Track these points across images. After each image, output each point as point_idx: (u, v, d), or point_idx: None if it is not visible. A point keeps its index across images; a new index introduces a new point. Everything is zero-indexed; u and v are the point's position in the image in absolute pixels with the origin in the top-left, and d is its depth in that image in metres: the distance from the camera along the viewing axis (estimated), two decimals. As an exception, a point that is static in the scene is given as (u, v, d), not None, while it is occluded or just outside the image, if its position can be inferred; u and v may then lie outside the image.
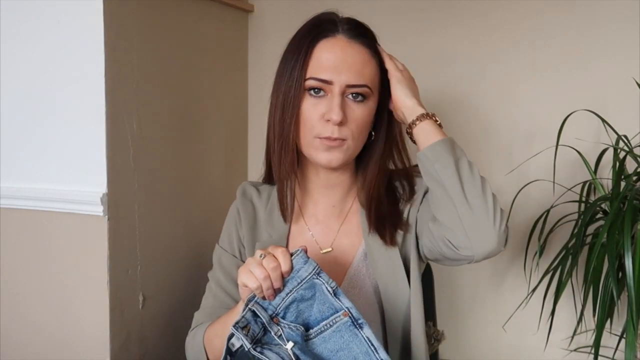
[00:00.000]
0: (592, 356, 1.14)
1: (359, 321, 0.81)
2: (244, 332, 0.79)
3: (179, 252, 1.37)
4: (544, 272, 1.25)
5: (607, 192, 1.26)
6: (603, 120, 1.23)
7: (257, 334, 0.81)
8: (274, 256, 0.81)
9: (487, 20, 1.41)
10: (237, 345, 0.81)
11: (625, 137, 1.23)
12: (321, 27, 0.93)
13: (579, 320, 1.24)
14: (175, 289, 1.36)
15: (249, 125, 1.70)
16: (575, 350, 1.39)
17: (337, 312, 0.82)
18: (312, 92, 0.91)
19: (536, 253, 1.30)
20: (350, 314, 0.82)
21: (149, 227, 1.27)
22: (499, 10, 1.40)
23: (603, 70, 1.32)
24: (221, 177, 1.56)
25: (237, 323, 0.79)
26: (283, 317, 0.83)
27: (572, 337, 1.36)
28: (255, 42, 1.67)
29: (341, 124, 0.90)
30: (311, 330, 0.83)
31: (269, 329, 0.82)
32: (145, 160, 1.26)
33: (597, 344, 1.08)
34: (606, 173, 1.29)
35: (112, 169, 1.16)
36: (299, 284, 0.82)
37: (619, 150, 1.19)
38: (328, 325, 0.82)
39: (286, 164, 0.95)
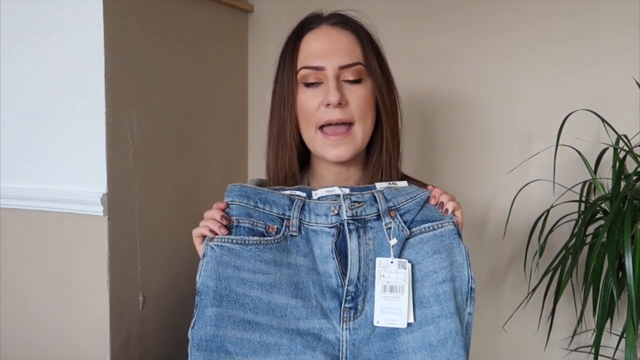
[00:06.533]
0: (592, 356, 1.14)
1: (461, 236, 0.84)
2: (352, 205, 0.84)
3: (179, 252, 1.37)
4: (544, 272, 1.25)
5: (607, 192, 1.26)
6: (603, 120, 1.23)
7: (364, 215, 0.84)
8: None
9: (488, 22, 1.41)
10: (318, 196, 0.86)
11: (625, 136, 1.23)
12: (306, 22, 0.94)
13: (579, 320, 1.24)
14: (175, 289, 1.36)
15: (249, 125, 1.70)
16: (575, 350, 1.39)
17: (446, 219, 0.84)
18: (307, 84, 0.91)
19: (536, 253, 1.30)
20: (456, 225, 0.84)
21: (149, 227, 1.27)
22: (500, 12, 1.40)
23: (603, 70, 1.32)
24: (221, 177, 1.56)
25: (352, 194, 0.85)
26: (401, 215, 0.85)
27: (572, 337, 1.36)
28: (255, 42, 1.67)
29: (341, 105, 0.88)
30: (412, 230, 0.84)
31: (382, 217, 0.84)
32: (145, 160, 1.26)
33: (597, 344, 1.08)
34: (606, 173, 1.29)
35: (112, 169, 1.16)
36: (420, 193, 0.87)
37: (619, 150, 1.19)
38: (432, 228, 0.84)
39: (285, 161, 0.93)
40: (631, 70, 1.28)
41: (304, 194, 0.86)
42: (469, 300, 0.82)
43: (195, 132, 1.45)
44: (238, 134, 1.66)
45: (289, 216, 0.84)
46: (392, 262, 0.82)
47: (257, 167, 1.68)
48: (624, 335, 1.13)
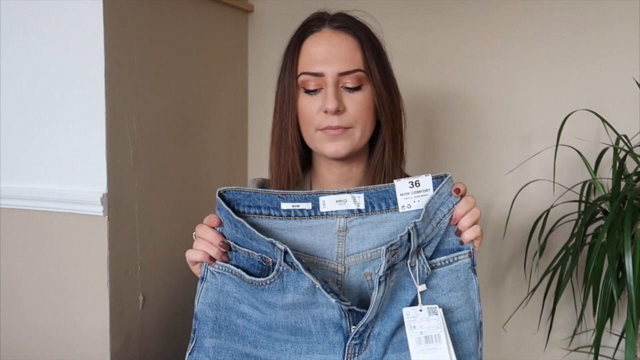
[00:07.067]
0: (592, 356, 1.14)
1: (475, 267, 0.77)
2: (390, 255, 0.72)
3: (179, 252, 1.36)
4: (544, 272, 1.25)
5: (607, 192, 1.26)
6: (603, 120, 1.23)
7: (397, 260, 0.74)
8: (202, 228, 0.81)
9: (488, 20, 1.41)
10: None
11: (625, 136, 1.23)
12: (309, 24, 0.93)
13: (579, 320, 1.24)
14: (175, 289, 1.36)
15: (249, 125, 1.70)
16: (575, 350, 1.39)
17: (462, 250, 0.77)
18: (307, 90, 0.90)
19: (536, 253, 1.30)
20: (472, 256, 0.77)
21: (149, 227, 1.27)
22: (500, 10, 1.40)
23: (603, 70, 1.32)
24: (221, 177, 1.56)
25: (392, 244, 0.72)
26: (423, 249, 0.76)
27: (572, 337, 1.36)
28: (255, 42, 1.67)
29: (339, 112, 0.88)
30: (430, 263, 0.77)
31: (408, 257, 0.75)
32: (145, 160, 1.26)
33: (597, 344, 1.08)
34: (606, 173, 1.29)
35: (112, 169, 1.16)
36: (449, 210, 0.77)
37: (619, 150, 1.19)
38: (448, 262, 0.77)
39: (287, 162, 0.94)
40: (631, 70, 1.28)
41: (309, 204, 0.77)
42: (479, 336, 0.78)
43: (195, 132, 1.45)
44: (238, 134, 1.66)
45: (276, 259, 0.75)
46: (420, 311, 0.74)
47: (257, 167, 1.69)
48: (624, 335, 1.13)
